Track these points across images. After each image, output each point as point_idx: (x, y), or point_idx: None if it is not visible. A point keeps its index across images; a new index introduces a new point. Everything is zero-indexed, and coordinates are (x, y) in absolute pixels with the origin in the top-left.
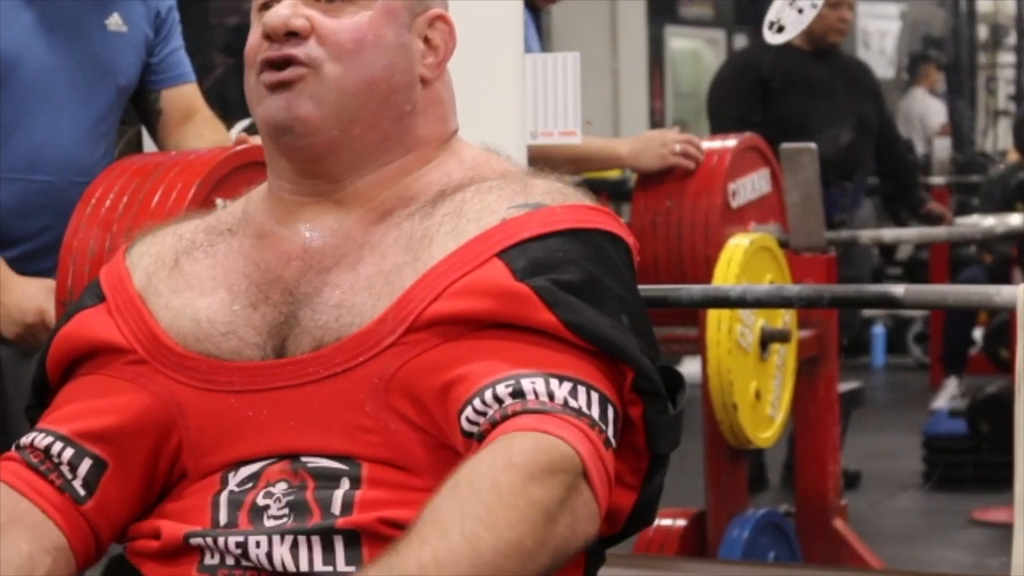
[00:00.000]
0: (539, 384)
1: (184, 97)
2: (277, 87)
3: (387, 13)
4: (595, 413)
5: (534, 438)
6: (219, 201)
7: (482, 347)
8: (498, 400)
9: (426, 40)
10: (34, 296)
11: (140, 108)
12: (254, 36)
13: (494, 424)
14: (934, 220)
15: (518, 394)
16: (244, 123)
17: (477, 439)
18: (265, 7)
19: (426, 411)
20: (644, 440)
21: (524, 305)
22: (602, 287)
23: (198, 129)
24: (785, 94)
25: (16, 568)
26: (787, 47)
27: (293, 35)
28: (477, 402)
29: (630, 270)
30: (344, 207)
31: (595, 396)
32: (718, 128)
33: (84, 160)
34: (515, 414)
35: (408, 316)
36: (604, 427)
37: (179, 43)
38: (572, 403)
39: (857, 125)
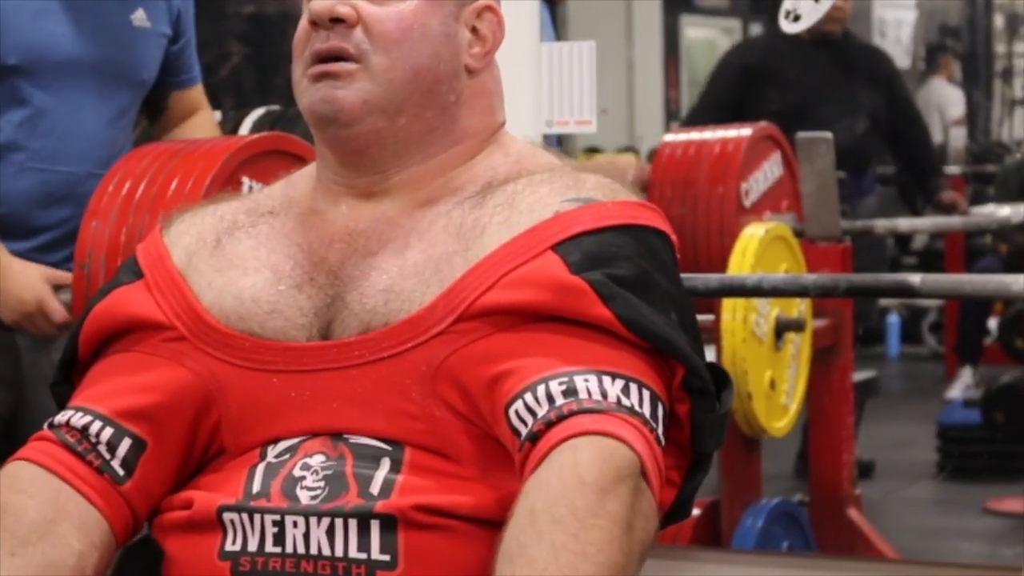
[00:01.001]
0: (592, 382)
1: (190, 99)
2: (322, 77)
3: (433, 2)
4: (647, 411)
5: (596, 446)
6: (245, 180)
7: (534, 340)
8: (551, 399)
9: (474, 30)
10: (31, 283)
11: (146, 101)
12: (302, 26)
13: (548, 424)
14: (946, 208)
15: (571, 392)
16: (259, 112)
17: (529, 439)
18: None
19: (473, 401)
20: (689, 437)
21: (580, 299)
22: (654, 283)
23: (193, 129)
24: (781, 83)
25: (71, 569)
26: (788, 36)
27: (339, 22)
28: (528, 397)
29: (675, 266)
30: (388, 196)
31: (646, 394)
32: (698, 116)
33: (104, 153)
34: (571, 414)
35: (460, 305)
36: (655, 425)
37: (192, 44)
38: (625, 401)
39: (861, 114)
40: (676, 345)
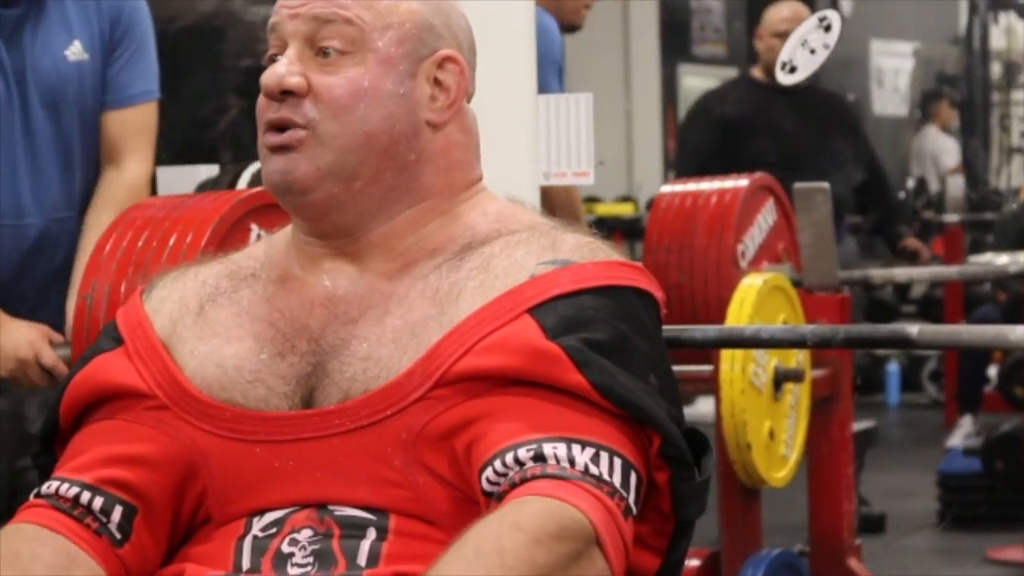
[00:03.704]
0: (560, 449)
1: (117, 125)
2: (277, 149)
3: (384, 63)
4: (616, 480)
5: (545, 504)
6: (253, 227)
7: (508, 405)
8: (519, 463)
9: (436, 82)
10: (27, 333)
11: None
12: (261, 96)
13: (513, 486)
14: (910, 256)
15: (539, 458)
16: (257, 165)
17: (496, 500)
18: (272, 61)
19: (454, 465)
20: (670, 505)
21: (554, 365)
22: (631, 347)
23: (100, 215)
24: (746, 132)
25: None
26: (751, 83)
27: (290, 94)
28: (498, 463)
29: (658, 327)
30: (363, 258)
31: (618, 462)
32: (683, 171)
33: (63, 195)
34: (533, 478)
35: (436, 371)
36: (625, 494)
37: (132, 59)
38: (593, 470)
39: (826, 162)
40: (651, 414)
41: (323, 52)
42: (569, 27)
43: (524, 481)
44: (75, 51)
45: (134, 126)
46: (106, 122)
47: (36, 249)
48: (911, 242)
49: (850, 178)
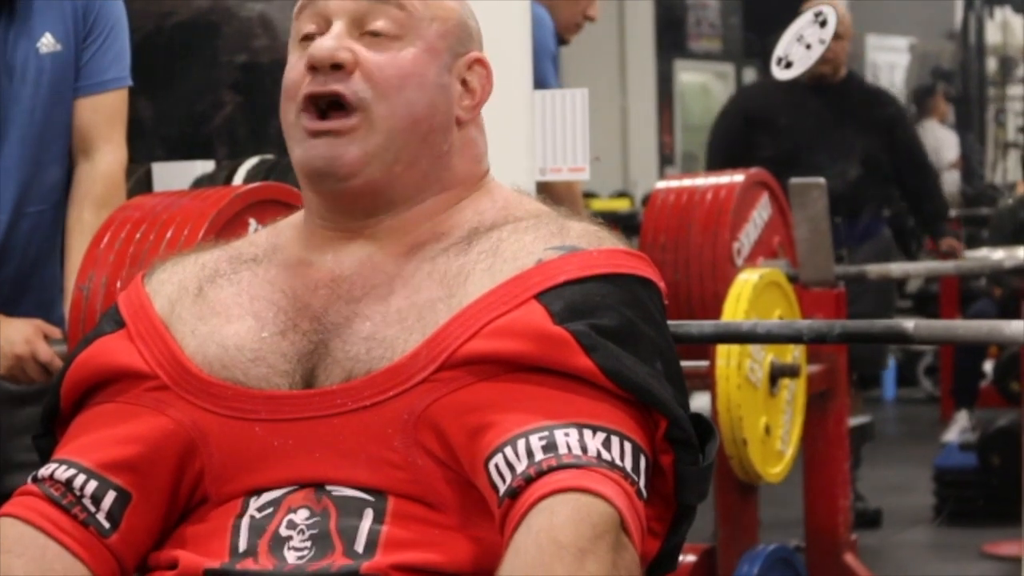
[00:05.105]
0: (572, 436)
1: (89, 111)
2: (321, 133)
3: (430, 52)
4: (627, 464)
5: (572, 505)
6: (252, 222)
7: (516, 391)
8: (530, 453)
9: (464, 83)
10: (22, 329)
11: None
12: (296, 69)
13: (528, 480)
14: (943, 256)
15: (551, 447)
16: (253, 161)
17: (509, 495)
18: (308, 39)
19: (452, 450)
20: (673, 489)
21: (562, 350)
22: (638, 333)
23: (80, 213)
24: (775, 129)
25: None
26: (786, 81)
27: (338, 67)
28: (508, 451)
29: (662, 315)
30: (375, 241)
31: (628, 447)
32: (709, 164)
33: (35, 191)
34: (550, 469)
35: (442, 353)
36: (636, 478)
37: (103, 46)
38: (605, 455)
39: (854, 159)
40: (658, 397)
41: (372, 33)
42: (558, 40)
43: (540, 474)
44: (47, 43)
45: (105, 112)
46: (77, 109)
47: (7, 244)
48: (946, 243)
49: (881, 173)
